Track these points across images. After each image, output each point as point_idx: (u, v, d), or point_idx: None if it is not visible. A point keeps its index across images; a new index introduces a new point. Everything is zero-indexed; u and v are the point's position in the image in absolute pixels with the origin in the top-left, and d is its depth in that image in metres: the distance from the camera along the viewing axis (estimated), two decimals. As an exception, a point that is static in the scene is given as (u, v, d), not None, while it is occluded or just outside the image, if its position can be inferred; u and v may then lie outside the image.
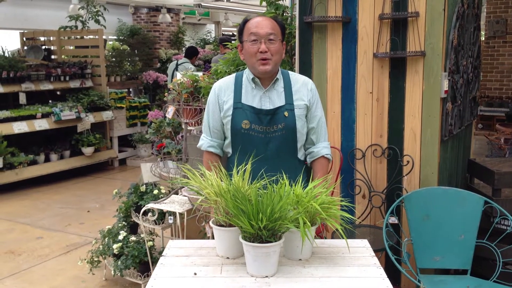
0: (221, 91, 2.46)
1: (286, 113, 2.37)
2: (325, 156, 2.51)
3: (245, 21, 2.42)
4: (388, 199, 3.23)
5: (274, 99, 2.40)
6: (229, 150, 2.48)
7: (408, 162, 3.18)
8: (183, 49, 11.75)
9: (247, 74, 2.45)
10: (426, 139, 3.13)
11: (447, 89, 3.13)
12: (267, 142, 2.37)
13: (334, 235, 2.96)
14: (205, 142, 2.51)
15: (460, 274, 2.99)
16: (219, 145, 2.51)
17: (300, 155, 2.48)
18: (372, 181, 3.28)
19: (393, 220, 3.02)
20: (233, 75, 2.52)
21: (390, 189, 3.24)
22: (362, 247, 2.14)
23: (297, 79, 2.48)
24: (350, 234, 2.99)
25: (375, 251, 2.14)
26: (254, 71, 2.39)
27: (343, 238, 1.93)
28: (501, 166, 3.49)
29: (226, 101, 2.43)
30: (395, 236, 3.00)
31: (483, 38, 8.53)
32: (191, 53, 8.00)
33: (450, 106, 3.24)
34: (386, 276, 1.86)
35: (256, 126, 2.36)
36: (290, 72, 2.50)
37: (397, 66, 3.14)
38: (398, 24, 3.10)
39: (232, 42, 7.54)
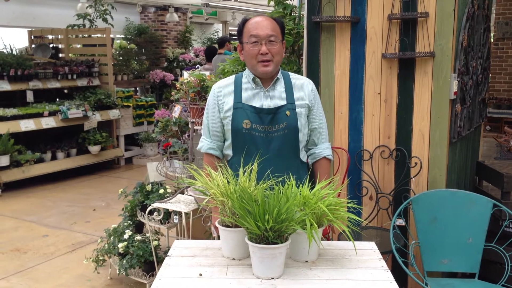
0: (221, 92, 2.44)
1: (287, 113, 2.36)
2: (326, 157, 2.50)
3: (244, 22, 2.40)
4: (395, 201, 3.20)
5: (275, 99, 2.38)
6: (229, 152, 2.46)
7: (416, 164, 3.15)
8: (190, 48, 11.77)
9: (247, 75, 2.43)
10: (435, 141, 3.10)
11: (456, 90, 3.10)
12: (268, 142, 2.35)
13: (340, 237, 2.94)
14: (204, 144, 2.50)
15: (467, 278, 2.96)
16: (219, 147, 2.49)
17: (302, 155, 2.47)
18: (380, 183, 3.25)
19: (401, 222, 3.00)
20: (232, 76, 2.50)
21: (397, 191, 3.21)
22: (369, 249, 2.11)
23: (298, 79, 2.47)
24: (357, 236, 2.97)
25: (382, 253, 2.12)
26: (255, 72, 2.38)
27: (350, 240, 1.91)
28: (510, 168, 3.46)
29: (226, 101, 2.41)
30: (402, 239, 2.97)
31: (492, 40, 8.47)
32: (221, 43, 7.83)
33: (459, 107, 3.21)
34: (393, 279, 1.84)
35: (257, 126, 2.34)
36: (290, 73, 2.49)
37: (406, 67, 3.12)
38: (407, 25, 3.07)
39: (232, 41, 7.51)
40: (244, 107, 2.36)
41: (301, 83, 2.45)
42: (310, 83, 2.48)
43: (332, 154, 2.58)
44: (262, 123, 2.34)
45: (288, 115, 2.36)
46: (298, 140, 2.40)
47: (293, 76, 2.47)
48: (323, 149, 2.50)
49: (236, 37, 2.50)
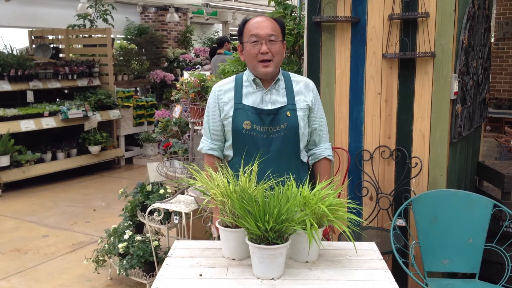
0: (221, 93, 2.44)
1: (288, 113, 2.35)
2: (327, 157, 2.50)
3: (245, 22, 2.39)
4: (396, 201, 3.20)
5: (275, 99, 2.38)
6: (229, 153, 2.45)
7: (416, 164, 3.15)
8: (191, 48, 11.77)
9: (247, 75, 2.43)
10: (435, 141, 3.10)
11: (456, 90, 3.09)
12: (269, 142, 2.35)
13: (341, 237, 2.94)
14: (205, 145, 2.50)
15: (468, 278, 2.95)
16: (220, 148, 2.49)
17: (302, 156, 2.46)
18: (380, 183, 3.25)
19: (401, 222, 2.99)
20: (233, 76, 2.50)
21: (398, 191, 3.21)
22: (369, 249, 2.11)
23: (298, 80, 2.47)
24: (357, 237, 2.96)
25: (382, 253, 2.12)
26: (256, 72, 2.37)
27: (350, 241, 1.91)
28: (511, 169, 3.46)
29: (226, 102, 2.41)
30: (403, 239, 2.97)
31: (492, 40, 8.47)
32: (220, 44, 7.84)
33: (459, 108, 3.21)
34: (394, 279, 1.83)
35: (258, 126, 2.34)
36: (290, 73, 2.49)
37: (406, 67, 3.11)
38: (407, 25, 3.07)
39: (230, 42, 7.50)
40: (245, 108, 2.36)
41: (302, 84, 2.45)
42: (310, 84, 2.47)
43: (333, 154, 2.57)
44: (263, 123, 2.34)
45: (289, 116, 2.35)
46: (299, 140, 2.40)
47: (294, 76, 2.47)
48: (324, 150, 2.50)
49: (236, 37, 2.49)
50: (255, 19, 2.37)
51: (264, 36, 2.31)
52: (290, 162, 2.39)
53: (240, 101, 2.37)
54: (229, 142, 2.43)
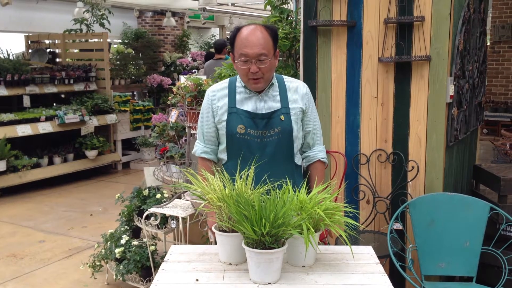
0: (215, 97, 2.43)
1: (282, 117, 2.35)
2: (321, 160, 2.50)
3: (236, 32, 2.33)
4: (392, 205, 3.20)
5: (269, 103, 2.38)
6: (223, 156, 2.45)
7: (413, 167, 3.15)
8: (188, 52, 11.77)
9: (240, 80, 2.42)
10: (431, 145, 3.11)
11: (452, 94, 3.10)
12: (263, 146, 2.35)
13: (337, 241, 2.93)
14: (198, 148, 2.50)
15: (465, 281, 2.95)
16: (213, 151, 2.48)
17: (297, 159, 2.46)
18: (377, 187, 3.25)
19: (398, 226, 2.99)
20: (226, 80, 2.49)
21: (394, 195, 3.21)
22: (366, 253, 2.11)
23: (292, 83, 2.46)
24: (354, 240, 2.96)
25: (379, 257, 2.11)
26: (247, 86, 2.37)
27: (347, 245, 1.90)
28: (507, 172, 3.46)
29: (220, 106, 2.40)
30: (400, 242, 2.97)
31: (488, 43, 8.50)
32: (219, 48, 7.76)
33: (455, 111, 3.21)
34: (391, 283, 1.83)
35: (252, 130, 2.34)
36: (284, 76, 2.49)
37: (402, 71, 3.12)
38: (403, 29, 3.08)
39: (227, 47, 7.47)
40: (239, 112, 2.36)
41: (296, 87, 2.45)
42: (304, 87, 2.48)
43: (328, 157, 2.57)
44: (257, 127, 2.34)
45: (283, 120, 2.35)
46: (293, 144, 2.40)
47: (287, 79, 2.46)
48: (318, 152, 2.50)
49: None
50: (245, 31, 2.29)
51: (253, 56, 2.26)
52: (284, 166, 2.38)
53: (234, 105, 2.37)
54: (223, 146, 2.43)
